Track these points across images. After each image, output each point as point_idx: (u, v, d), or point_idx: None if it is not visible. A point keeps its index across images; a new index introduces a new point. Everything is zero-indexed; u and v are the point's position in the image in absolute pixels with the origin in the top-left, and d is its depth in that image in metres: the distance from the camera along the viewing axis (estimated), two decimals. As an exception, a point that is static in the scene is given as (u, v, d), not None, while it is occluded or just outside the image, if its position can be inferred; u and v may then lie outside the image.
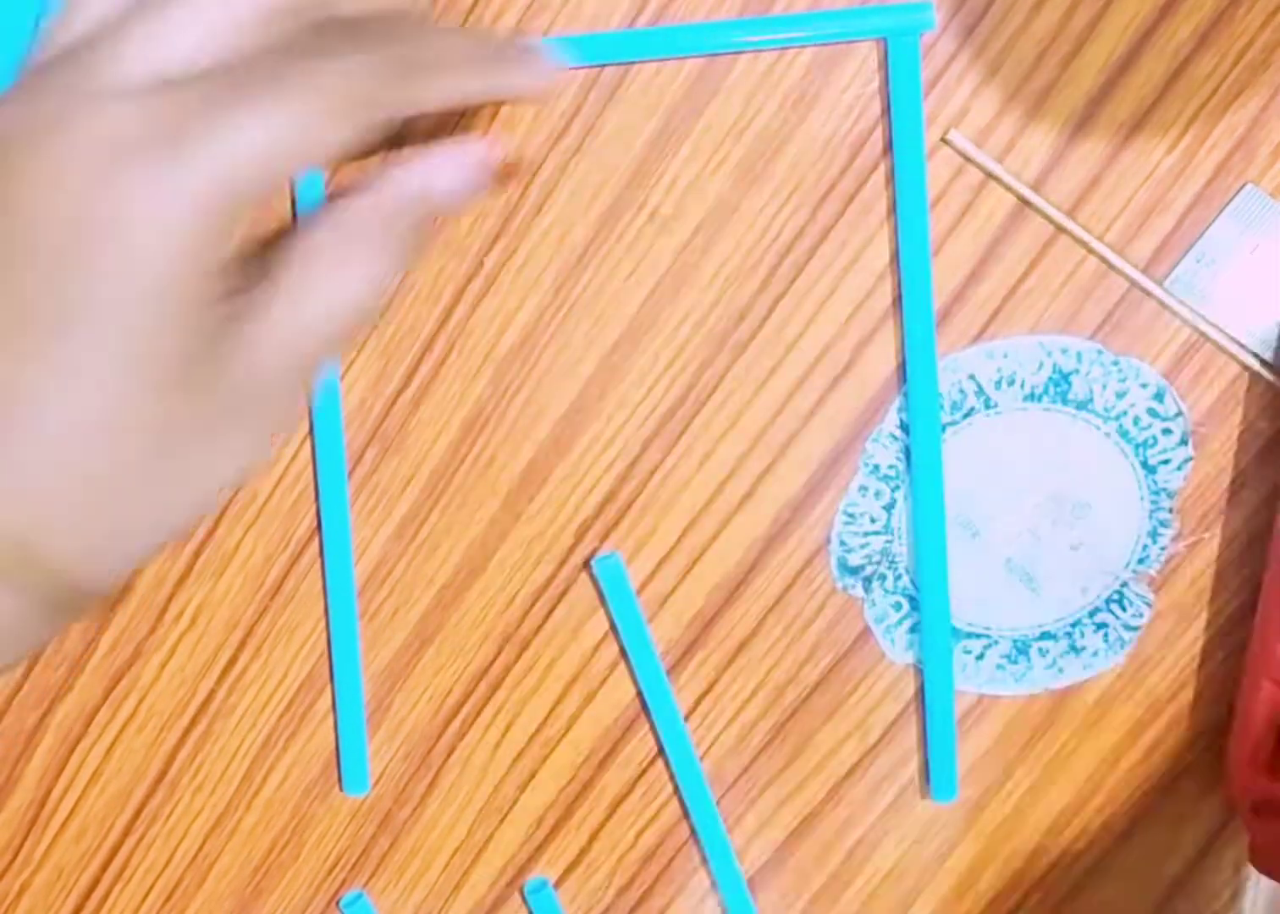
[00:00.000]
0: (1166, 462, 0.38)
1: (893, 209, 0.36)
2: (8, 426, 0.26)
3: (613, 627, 0.39)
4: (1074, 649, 0.39)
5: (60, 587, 0.27)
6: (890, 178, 0.36)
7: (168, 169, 0.26)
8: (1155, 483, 0.38)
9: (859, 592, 0.39)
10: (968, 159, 0.36)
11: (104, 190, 0.26)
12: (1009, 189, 0.36)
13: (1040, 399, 0.37)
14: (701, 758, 0.40)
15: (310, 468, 0.39)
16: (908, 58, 0.35)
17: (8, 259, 0.26)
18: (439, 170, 0.30)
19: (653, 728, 0.40)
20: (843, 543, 0.39)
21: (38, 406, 0.26)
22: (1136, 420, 0.37)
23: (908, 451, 0.38)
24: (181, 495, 0.29)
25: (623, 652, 0.39)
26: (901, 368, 0.38)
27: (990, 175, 0.36)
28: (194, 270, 0.27)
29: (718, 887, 0.41)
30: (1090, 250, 0.36)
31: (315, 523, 0.39)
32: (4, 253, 0.26)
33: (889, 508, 0.38)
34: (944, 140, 0.36)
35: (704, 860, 0.41)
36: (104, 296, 0.26)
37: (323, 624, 0.40)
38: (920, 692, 0.40)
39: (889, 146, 0.36)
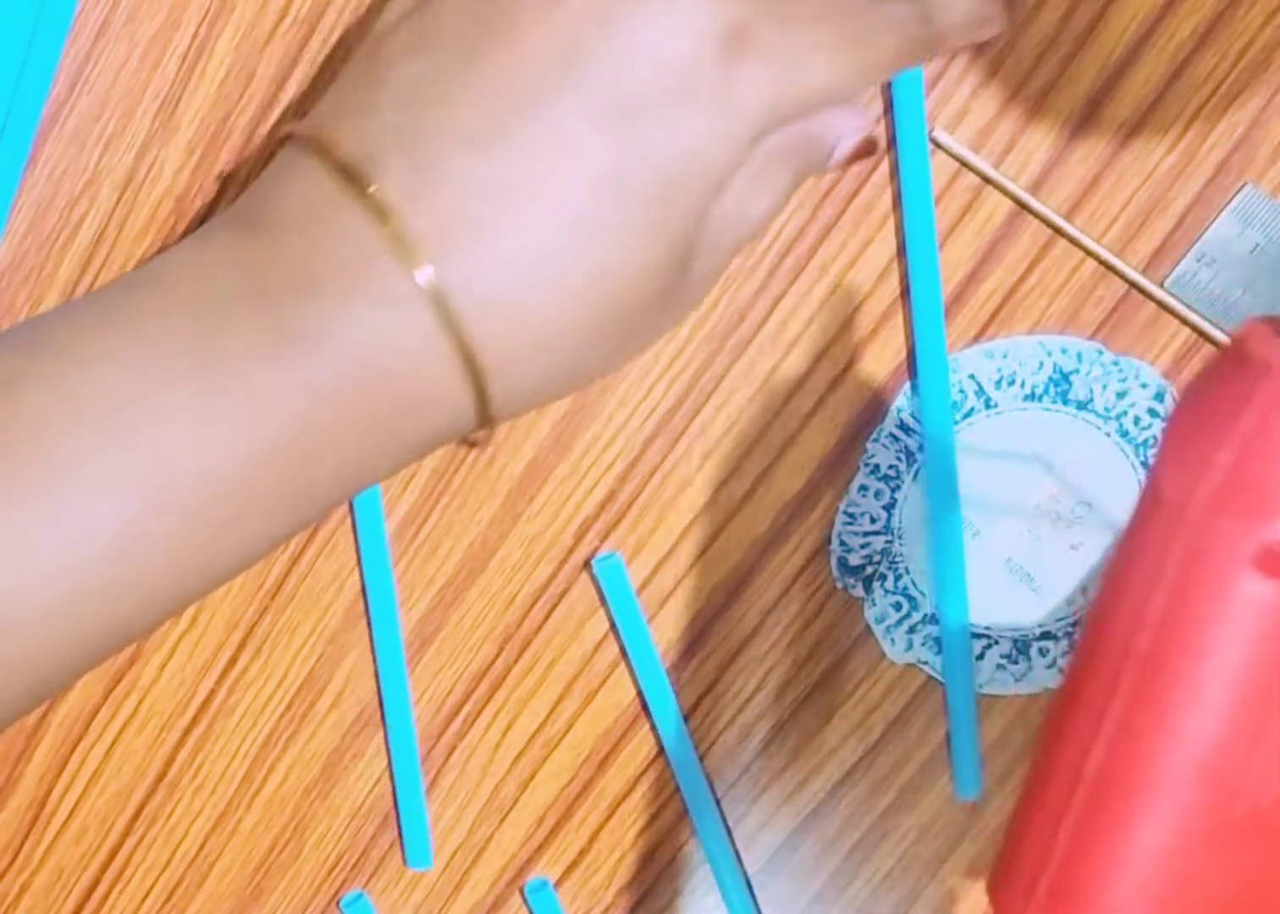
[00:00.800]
0: (1166, 461, 0.38)
1: (894, 208, 0.36)
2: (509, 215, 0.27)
3: (613, 626, 0.39)
4: (1075, 649, 0.39)
5: (462, 385, 0.28)
6: (891, 177, 0.36)
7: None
8: (1155, 483, 0.38)
9: (859, 591, 0.39)
10: (960, 161, 0.36)
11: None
12: (1002, 190, 0.36)
13: (1040, 399, 0.37)
14: (702, 758, 0.40)
15: (310, 468, 0.39)
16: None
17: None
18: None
19: (653, 728, 0.40)
20: (843, 543, 0.39)
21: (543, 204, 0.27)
22: (1137, 420, 0.37)
23: (908, 452, 0.38)
24: (621, 346, 0.29)
25: (623, 652, 0.39)
26: (901, 368, 0.38)
27: (986, 178, 0.36)
28: (715, 165, 0.28)
29: (718, 886, 0.41)
30: (1088, 252, 0.36)
31: (311, 529, 0.39)
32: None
33: (889, 508, 0.38)
34: (931, 139, 0.36)
35: (705, 860, 0.41)
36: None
37: (323, 624, 0.40)
38: (920, 691, 0.40)
39: (890, 145, 0.36)
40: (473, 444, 0.31)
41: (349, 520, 0.39)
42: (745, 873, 0.41)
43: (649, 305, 0.29)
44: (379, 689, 0.40)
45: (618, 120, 0.27)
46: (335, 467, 0.28)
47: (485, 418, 0.29)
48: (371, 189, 0.27)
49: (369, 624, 0.40)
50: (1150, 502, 0.23)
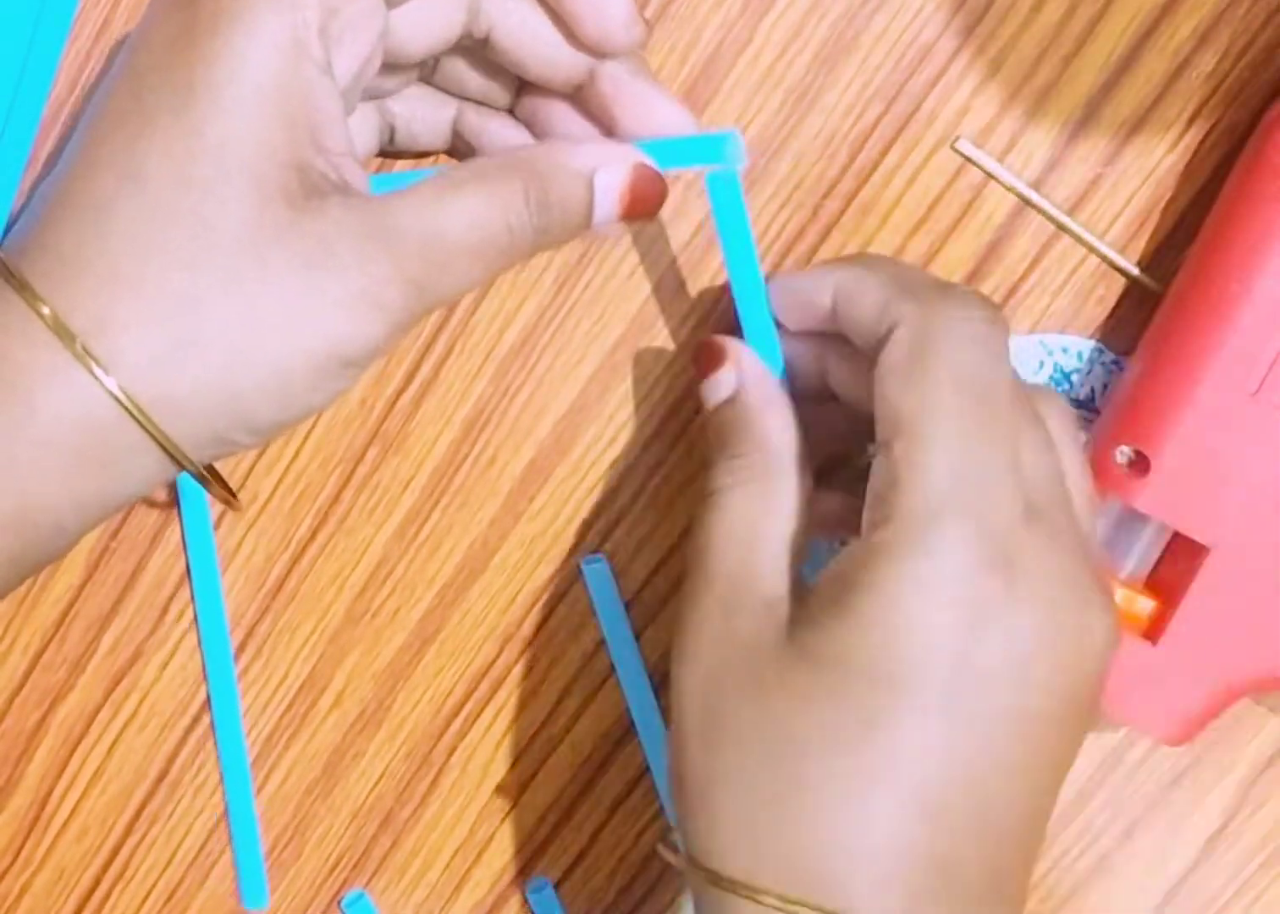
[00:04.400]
0: (1167, 461, 0.38)
1: (894, 208, 0.36)
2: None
3: (597, 625, 0.39)
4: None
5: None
6: (890, 178, 0.36)
7: None
8: (1156, 482, 0.38)
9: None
10: (974, 164, 0.36)
11: None
12: (1031, 204, 0.36)
13: (1041, 398, 0.37)
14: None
15: (311, 468, 0.39)
16: (728, 191, 0.32)
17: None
18: (600, 158, 0.31)
19: (632, 724, 0.40)
20: (843, 542, 0.38)
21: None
22: (1137, 419, 0.37)
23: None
24: (274, 339, 0.28)
25: (608, 651, 0.39)
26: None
27: (994, 178, 0.36)
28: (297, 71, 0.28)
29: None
30: (1091, 249, 0.36)
31: (312, 529, 0.39)
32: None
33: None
34: (953, 147, 0.36)
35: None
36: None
37: (323, 624, 0.40)
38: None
39: (890, 146, 0.36)
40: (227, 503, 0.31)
41: (348, 521, 0.39)
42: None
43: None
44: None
45: None
46: None
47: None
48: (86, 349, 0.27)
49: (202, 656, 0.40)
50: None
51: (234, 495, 0.31)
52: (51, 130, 0.37)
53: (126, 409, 0.28)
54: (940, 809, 0.28)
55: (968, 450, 0.28)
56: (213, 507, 0.39)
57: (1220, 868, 0.39)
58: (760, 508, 0.30)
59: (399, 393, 0.38)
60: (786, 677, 0.28)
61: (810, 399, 0.33)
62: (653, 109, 0.32)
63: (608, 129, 0.33)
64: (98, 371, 0.27)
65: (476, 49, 0.33)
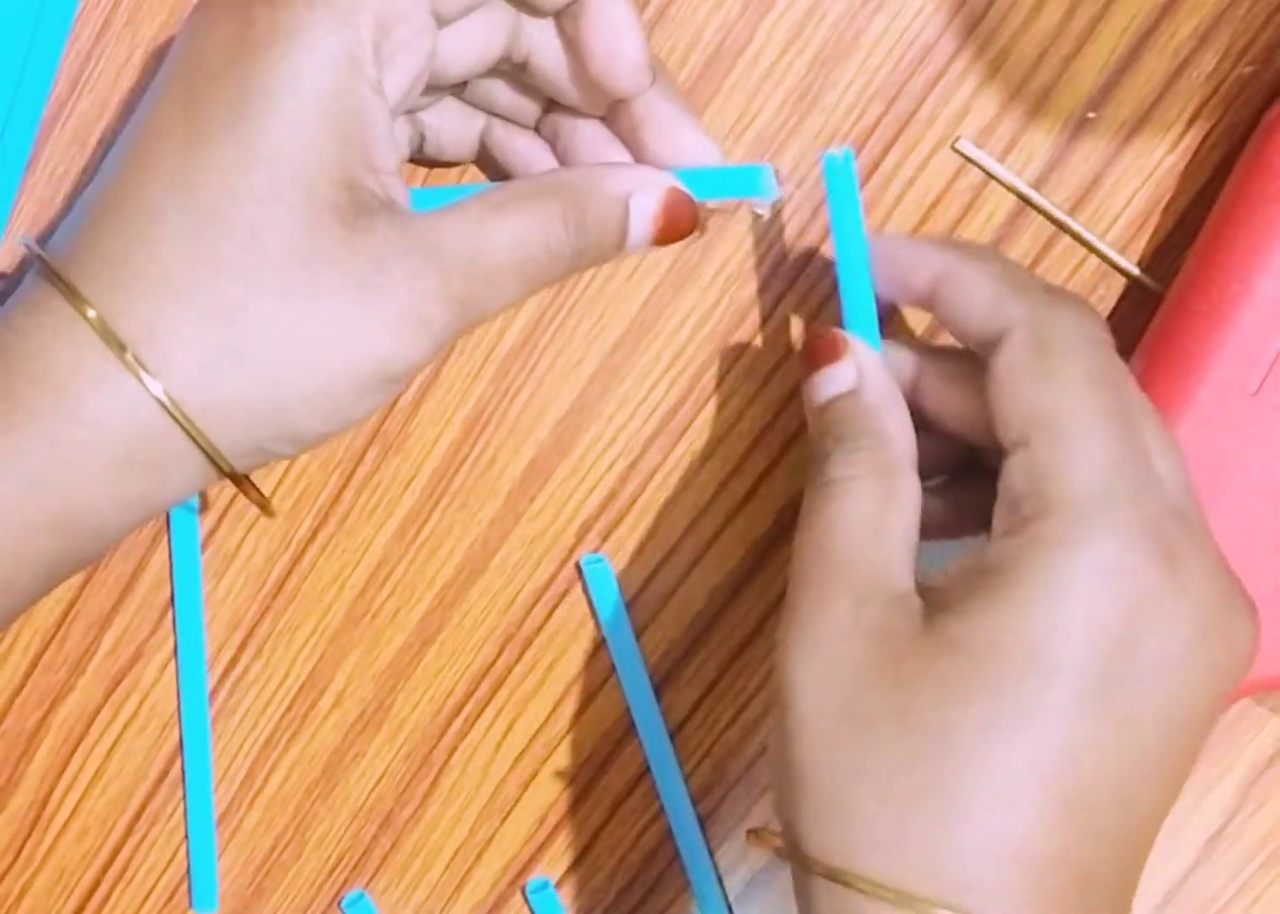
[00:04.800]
0: (1167, 461, 0.38)
1: (895, 208, 0.36)
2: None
3: (598, 626, 0.39)
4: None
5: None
6: (891, 178, 0.36)
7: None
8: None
9: (860, 591, 0.39)
10: (974, 164, 0.36)
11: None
12: (1032, 204, 0.36)
13: (1041, 398, 0.37)
14: (704, 757, 0.40)
15: (312, 468, 0.39)
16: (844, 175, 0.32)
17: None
18: (636, 182, 0.31)
19: (633, 724, 0.40)
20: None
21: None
22: (1137, 420, 0.37)
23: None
24: (322, 355, 0.28)
25: (608, 651, 0.39)
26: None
27: (995, 179, 0.36)
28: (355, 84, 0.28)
29: (718, 885, 0.41)
30: (1092, 249, 0.36)
31: (312, 529, 0.39)
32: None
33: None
34: (953, 148, 0.36)
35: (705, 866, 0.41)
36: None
37: (324, 624, 0.40)
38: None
39: (890, 147, 0.36)
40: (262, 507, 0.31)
41: (348, 521, 0.39)
42: (747, 874, 0.41)
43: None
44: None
45: None
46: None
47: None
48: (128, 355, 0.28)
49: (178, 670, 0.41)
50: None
51: (267, 500, 0.31)
52: (52, 131, 0.37)
53: (174, 417, 0.28)
54: (1086, 811, 0.27)
55: (1116, 444, 0.28)
56: (213, 504, 0.39)
57: (1220, 868, 0.39)
58: (884, 500, 0.30)
59: (399, 393, 0.38)
60: (932, 667, 0.28)
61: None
62: (679, 136, 0.32)
63: (633, 151, 0.33)
64: (147, 379, 0.28)
65: (511, 73, 0.33)
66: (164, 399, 0.28)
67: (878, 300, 0.33)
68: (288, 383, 0.28)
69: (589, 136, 0.33)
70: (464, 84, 0.34)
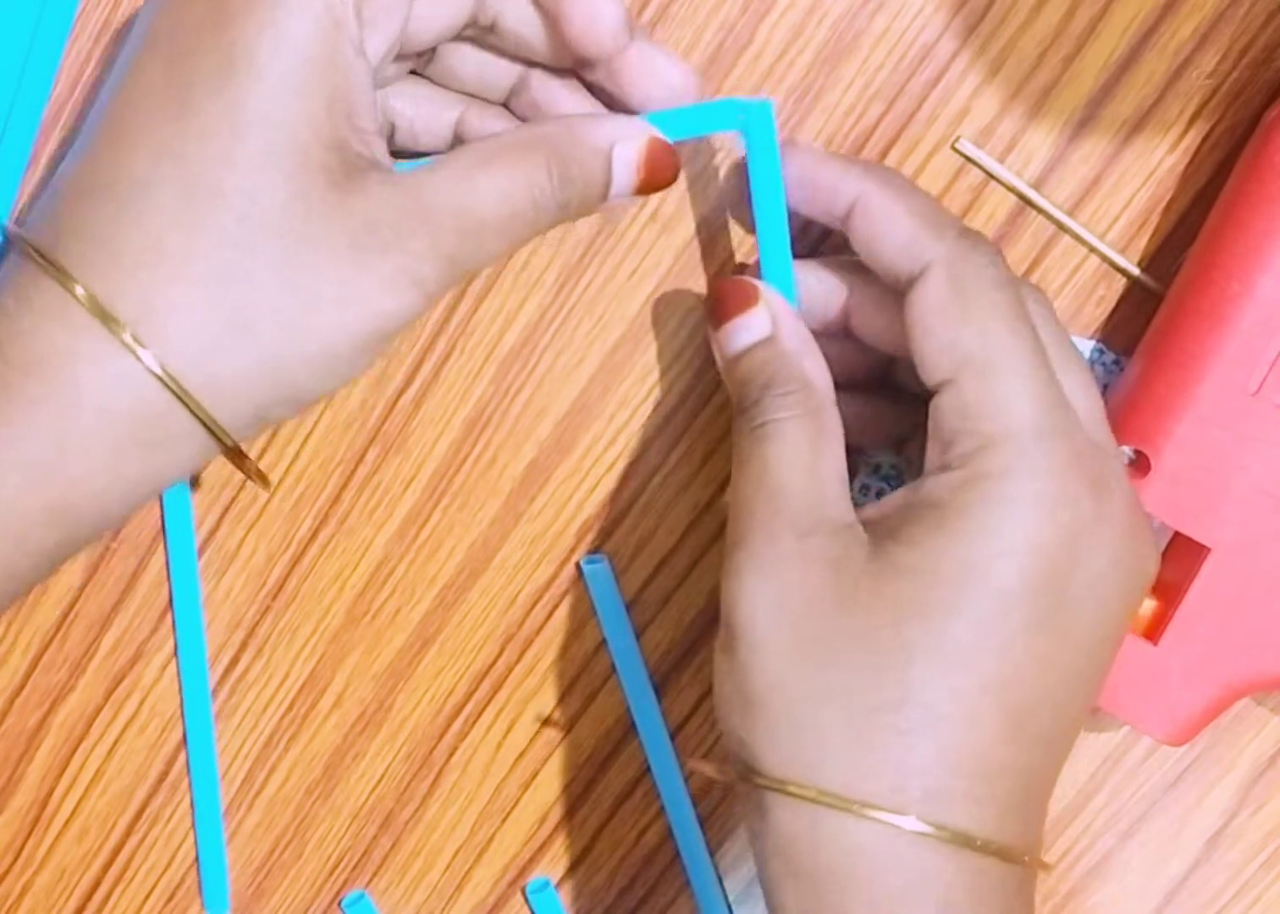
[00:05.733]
0: (1168, 461, 0.38)
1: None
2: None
3: (597, 625, 0.39)
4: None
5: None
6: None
7: None
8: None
9: (861, 591, 0.39)
10: (975, 164, 0.36)
11: None
12: (1032, 204, 0.36)
13: (1041, 398, 0.37)
14: (705, 755, 0.40)
15: (312, 469, 0.39)
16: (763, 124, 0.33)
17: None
18: (617, 133, 0.31)
19: (633, 724, 0.40)
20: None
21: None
22: (1138, 419, 0.37)
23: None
24: (320, 316, 0.28)
25: (608, 651, 0.39)
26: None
27: (995, 179, 0.36)
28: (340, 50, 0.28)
29: (718, 885, 0.41)
30: (1092, 249, 0.36)
31: (312, 530, 0.39)
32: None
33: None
34: (954, 148, 0.36)
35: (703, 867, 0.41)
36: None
37: (324, 624, 0.40)
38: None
39: (891, 147, 0.36)
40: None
41: (348, 521, 0.39)
42: (749, 871, 0.41)
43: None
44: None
45: None
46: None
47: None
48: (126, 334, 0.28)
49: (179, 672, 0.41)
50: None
51: (265, 475, 0.31)
52: (52, 131, 0.37)
53: (177, 395, 0.28)
54: (1029, 721, 0.29)
55: (1040, 383, 0.30)
56: (213, 504, 0.39)
57: (1220, 868, 0.39)
58: (815, 438, 0.31)
59: (399, 393, 0.38)
60: (887, 591, 0.29)
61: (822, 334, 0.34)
62: (660, 71, 0.32)
63: (613, 94, 0.33)
64: (147, 357, 0.27)
65: (479, 37, 0.33)
66: (165, 377, 0.27)
67: (793, 215, 0.33)
68: (289, 349, 0.29)
69: (563, 98, 0.33)
70: (429, 59, 0.34)
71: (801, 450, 0.31)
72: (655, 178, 0.32)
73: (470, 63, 0.34)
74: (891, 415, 0.36)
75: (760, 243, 0.33)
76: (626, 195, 0.32)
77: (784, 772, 0.29)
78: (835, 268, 0.34)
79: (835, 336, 0.34)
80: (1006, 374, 0.30)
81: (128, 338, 0.27)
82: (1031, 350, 0.30)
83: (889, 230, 0.31)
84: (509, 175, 0.30)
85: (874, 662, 0.29)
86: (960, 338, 0.30)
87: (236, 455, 0.30)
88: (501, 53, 0.34)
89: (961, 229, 0.31)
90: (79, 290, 0.27)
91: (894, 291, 0.32)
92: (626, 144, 0.31)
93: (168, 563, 0.40)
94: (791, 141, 0.34)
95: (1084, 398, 0.31)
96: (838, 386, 0.32)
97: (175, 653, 0.40)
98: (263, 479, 0.31)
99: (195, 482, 0.39)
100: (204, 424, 0.28)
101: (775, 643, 0.30)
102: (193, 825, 0.41)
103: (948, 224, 0.31)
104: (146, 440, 0.28)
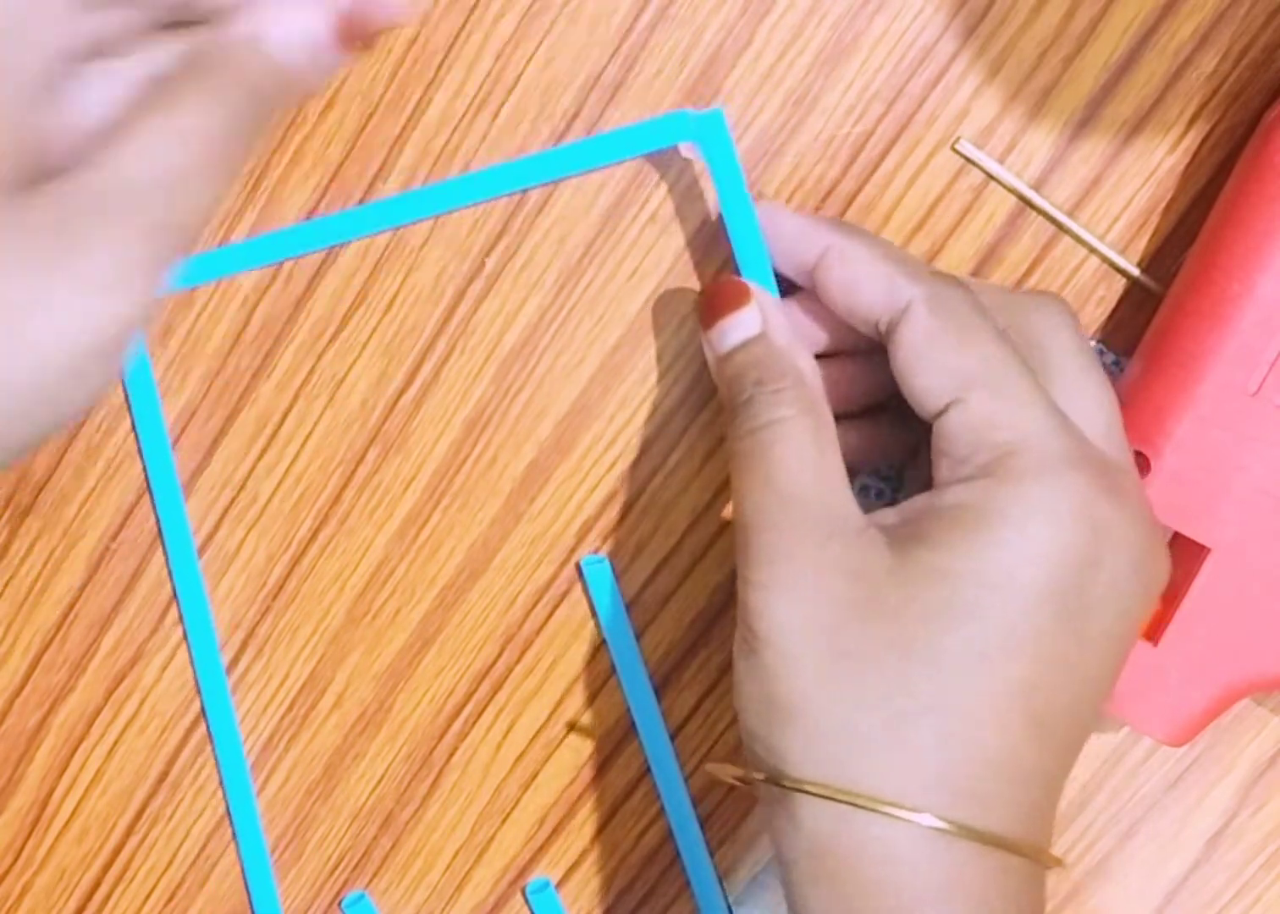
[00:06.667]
0: (1168, 461, 0.38)
1: (894, 209, 0.36)
2: None
3: (598, 627, 0.39)
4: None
5: None
6: (891, 179, 0.36)
7: None
8: (1156, 482, 0.38)
9: (861, 591, 0.39)
10: (974, 165, 0.36)
11: None
12: (1032, 204, 0.36)
13: (1041, 399, 0.37)
14: (704, 757, 0.40)
15: (312, 469, 0.39)
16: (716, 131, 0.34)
17: None
18: (273, 16, 0.28)
19: (633, 724, 0.40)
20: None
21: None
22: (1138, 420, 0.37)
23: (909, 451, 0.38)
24: (29, 333, 0.25)
25: (608, 651, 0.39)
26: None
27: (995, 179, 0.36)
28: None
29: (718, 886, 0.41)
30: (1092, 250, 0.36)
31: (312, 530, 0.39)
32: None
33: (891, 507, 0.38)
34: (954, 149, 0.36)
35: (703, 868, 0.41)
36: None
37: (324, 624, 0.40)
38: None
39: (890, 148, 0.36)
40: None
41: (348, 522, 0.39)
42: (750, 870, 0.41)
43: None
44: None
45: None
46: None
47: None
48: None
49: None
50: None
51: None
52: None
53: None
54: (1051, 724, 0.30)
55: (1042, 395, 0.31)
56: (213, 505, 0.39)
57: (1221, 869, 0.39)
58: (817, 436, 0.31)
59: (399, 393, 0.38)
60: (917, 597, 0.29)
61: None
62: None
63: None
64: None
65: None
66: None
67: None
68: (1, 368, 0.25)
69: None
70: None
71: (806, 450, 0.31)
72: (353, 28, 0.28)
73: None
74: (887, 439, 0.36)
75: (736, 249, 0.34)
76: (327, 71, 0.28)
77: (816, 774, 0.29)
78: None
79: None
80: (1013, 388, 0.30)
81: None
82: (1024, 367, 0.31)
83: (867, 273, 0.32)
84: (189, 124, 0.26)
85: (906, 666, 0.29)
86: (961, 361, 0.31)
87: None
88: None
89: (932, 269, 0.32)
90: None
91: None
92: (290, 21, 0.27)
93: (168, 563, 0.40)
94: (760, 195, 0.35)
95: (1097, 408, 0.32)
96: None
97: (175, 653, 0.40)
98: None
99: (195, 483, 0.39)
100: None
101: (804, 651, 0.30)
102: (186, 826, 0.41)
103: (919, 265, 0.32)
104: None
